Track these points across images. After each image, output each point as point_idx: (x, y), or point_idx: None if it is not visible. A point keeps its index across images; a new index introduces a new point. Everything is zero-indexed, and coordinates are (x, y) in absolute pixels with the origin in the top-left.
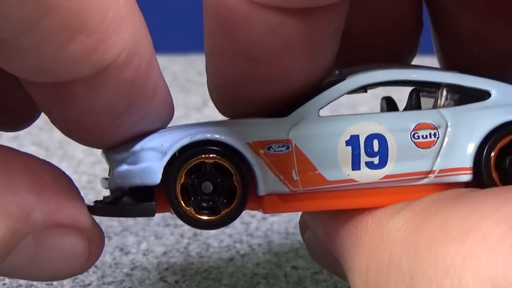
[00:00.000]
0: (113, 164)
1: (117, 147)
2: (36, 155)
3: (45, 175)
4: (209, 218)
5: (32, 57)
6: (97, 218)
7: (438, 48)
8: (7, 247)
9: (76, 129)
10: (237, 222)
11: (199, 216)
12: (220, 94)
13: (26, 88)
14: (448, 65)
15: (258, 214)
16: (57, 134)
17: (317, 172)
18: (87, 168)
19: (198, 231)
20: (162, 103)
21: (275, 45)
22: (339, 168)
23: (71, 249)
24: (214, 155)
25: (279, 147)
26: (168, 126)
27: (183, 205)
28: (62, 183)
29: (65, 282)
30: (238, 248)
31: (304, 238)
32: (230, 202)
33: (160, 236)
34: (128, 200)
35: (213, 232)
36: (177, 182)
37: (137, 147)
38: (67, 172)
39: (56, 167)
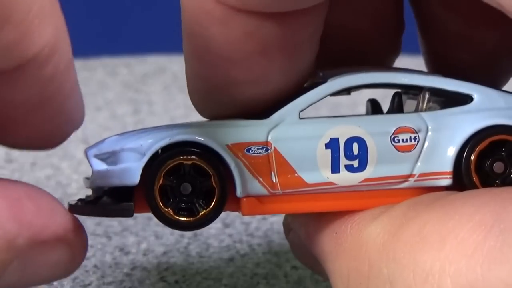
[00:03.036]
0: (93, 163)
1: (98, 146)
2: (37, 155)
3: (24, 199)
4: (187, 219)
5: None
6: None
7: (424, 50)
8: None
9: None
10: (237, 222)
11: (177, 218)
12: (200, 97)
13: None
14: (434, 66)
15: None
16: None
17: (296, 174)
18: (87, 168)
19: (198, 231)
20: (76, 106)
21: (253, 49)
22: (318, 171)
23: (56, 260)
24: (192, 157)
25: (258, 149)
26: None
27: (162, 206)
28: (42, 201)
29: (65, 282)
30: (238, 248)
31: (288, 239)
32: (208, 204)
33: (160, 236)
34: (108, 200)
35: (213, 232)
36: (155, 183)
37: (117, 147)
38: (66, 172)
39: (33, 186)
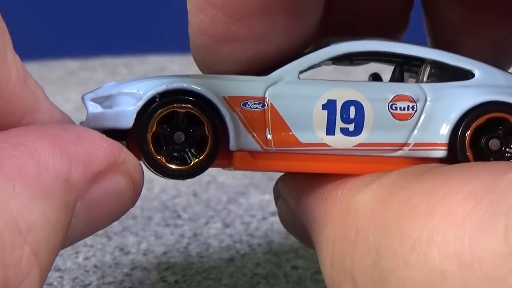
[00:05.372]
0: (88, 106)
1: (95, 91)
2: None
3: (61, 132)
4: (179, 167)
5: None
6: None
7: (428, 32)
8: (65, 225)
9: None
10: (237, 222)
11: (169, 166)
12: (202, 53)
13: None
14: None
15: (258, 214)
16: None
17: (290, 133)
18: None
19: (198, 230)
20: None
21: (255, 6)
22: (313, 131)
23: (116, 189)
24: (187, 105)
25: (254, 104)
26: (153, 75)
27: (154, 153)
28: (78, 131)
29: (65, 282)
30: (238, 248)
31: (276, 205)
32: (201, 153)
33: (160, 236)
34: None
35: (213, 232)
36: (148, 130)
37: (114, 91)
38: None
39: (62, 123)
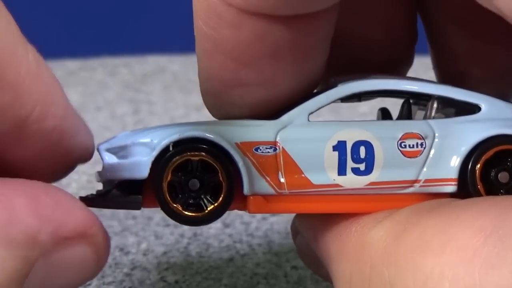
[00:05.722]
0: (104, 157)
1: (110, 141)
2: None
3: (42, 195)
4: (195, 214)
5: None
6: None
7: (435, 64)
8: (21, 276)
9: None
10: (237, 222)
11: (186, 213)
12: (212, 98)
13: None
14: (444, 80)
15: (258, 214)
16: None
17: (303, 175)
18: (87, 168)
19: (198, 231)
20: (85, 138)
21: (263, 51)
22: (325, 173)
23: (80, 258)
24: (200, 153)
25: (266, 148)
26: (166, 124)
27: (171, 202)
28: (59, 196)
29: None
30: (238, 248)
31: (295, 242)
32: (216, 199)
33: (160, 236)
34: (117, 193)
35: (213, 232)
36: (163, 180)
37: (128, 141)
38: None
39: (48, 184)
